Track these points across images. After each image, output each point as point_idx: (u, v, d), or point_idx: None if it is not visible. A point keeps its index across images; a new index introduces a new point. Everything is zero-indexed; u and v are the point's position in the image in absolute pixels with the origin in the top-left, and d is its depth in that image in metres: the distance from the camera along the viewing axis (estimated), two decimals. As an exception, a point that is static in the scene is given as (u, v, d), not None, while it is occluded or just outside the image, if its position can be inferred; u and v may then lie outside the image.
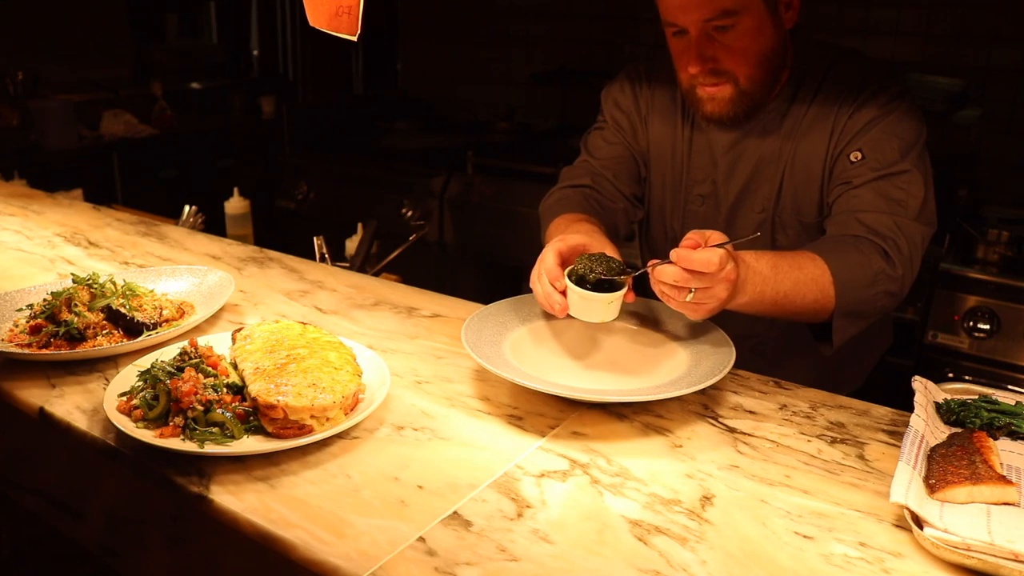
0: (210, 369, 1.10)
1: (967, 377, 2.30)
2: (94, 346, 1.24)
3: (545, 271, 1.22)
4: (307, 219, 3.64)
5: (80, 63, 4.28)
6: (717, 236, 1.11)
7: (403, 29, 4.40)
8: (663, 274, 1.10)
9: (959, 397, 1.11)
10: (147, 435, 1.00)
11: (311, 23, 1.24)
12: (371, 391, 1.12)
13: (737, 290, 1.14)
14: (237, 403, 1.05)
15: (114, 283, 1.35)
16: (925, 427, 1.01)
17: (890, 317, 1.77)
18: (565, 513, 0.91)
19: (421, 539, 0.86)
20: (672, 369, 1.20)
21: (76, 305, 1.29)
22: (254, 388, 1.03)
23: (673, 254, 1.07)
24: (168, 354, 1.17)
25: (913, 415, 1.03)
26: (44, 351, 1.23)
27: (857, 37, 3.00)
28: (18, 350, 1.24)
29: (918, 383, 1.12)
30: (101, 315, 1.29)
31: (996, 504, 0.88)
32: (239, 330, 1.21)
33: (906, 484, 0.88)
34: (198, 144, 4.28)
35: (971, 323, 2.32)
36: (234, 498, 0.92)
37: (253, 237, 2.38)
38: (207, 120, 4.54)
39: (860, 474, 0.99)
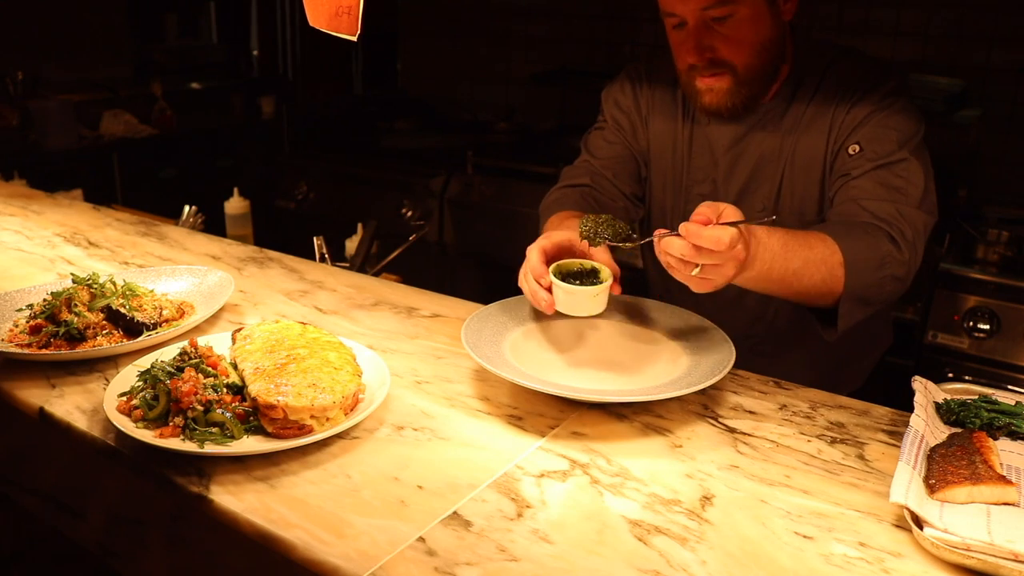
0: (210, 369, 1.10)
1: (967, 377, 2.30)
2: (94, 346, 1.24)
3: (530, 269, 1.23)
4: (307, 219, 3.64)
5: (80, 63, 4.28)
6: (731, 211, 1.05)
7: (403, 29, 4.40)
8: (671, 246, 1.05)
9: (959, 397, 1.11)
10: (147, 435, 1.00)
11: (311, 23, 1.24)
12: (371, 391, 1.12)
13: (745, 266, 1.11)
14: (237, 403, 1.05)
15: (114, 283, 1.35)
16: (925, 427, 1.01)
17: (890, 317, 1.77)
18: (565, 513, 0.91)
19: (421, 539, 0.86)
20: (672, 369, 1.20)
21: (76, 305, 1.29)
22: (254, 388, 1.03)
23: (682, 228, 1.03)
24: (168, 354, 1.17)
25: (913, 415, 1.03)
26: (44, 351, 1.23)
27: (857, 37, 3.00)
28: (18, 350, 1.24)
29: (918, 383, 1.12)
30: (101, 315, 1.29)
31: (996, 504, 0.88)
32: (239, 330, 1.21)
33: (906, 484, 0.88)
34: (198, 144, 4.28)
35: (971, 323, 2.32)
36: (234, 498, 0.92)
37: (253, 237, 2.38)
38: (207, 120, 4.54)
39: (860, 474, 0.99)
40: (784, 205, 1.45)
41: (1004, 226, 2.39)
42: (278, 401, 1.00)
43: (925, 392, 1.10)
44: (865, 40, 3.00)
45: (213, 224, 2.24)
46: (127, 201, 3.63)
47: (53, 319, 1.28)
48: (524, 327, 1.32)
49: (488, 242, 3.22)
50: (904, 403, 1.12)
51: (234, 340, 1.19)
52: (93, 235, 1.90)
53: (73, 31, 4.24)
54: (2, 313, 1.36)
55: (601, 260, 1.25)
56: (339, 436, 1.04)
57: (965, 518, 0.85)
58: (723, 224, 1.03)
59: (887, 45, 2.98)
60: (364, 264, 2.04)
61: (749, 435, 1.08)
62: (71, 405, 1.13)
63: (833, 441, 1.06)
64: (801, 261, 1.19)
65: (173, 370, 1.09)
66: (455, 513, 0.90)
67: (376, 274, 1.96)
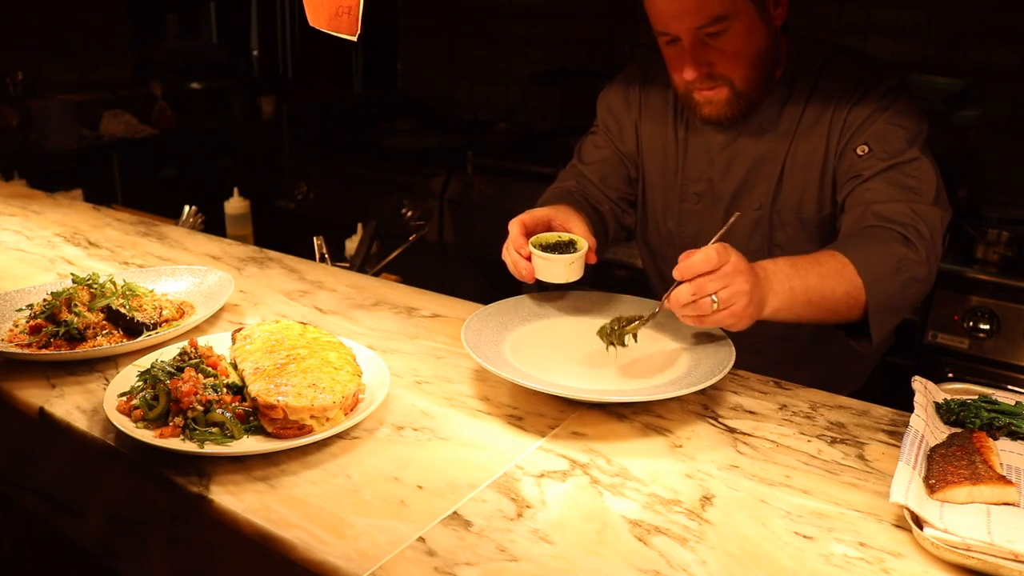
0: (210, 369, 1.10)
1: (968, 377, 2.30)
2: (94, 346, 1.24)
3: (511, 241, 1.31)
4: (307, 219, 3.64)
5: (80, 63, 4.28)
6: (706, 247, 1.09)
7: (403, 29, 4.40)
8: (679, 296, 1.07)
9: (959, 397, 1.11)
10: (147, 435, 1.00)
11: (311, 23, 1.24)
12: (371, 391, 1.12)
13: (765, 289, 1.11)
14: (237, 403, 1.05)
15: (114, 283, 1.35)
16: (925, 427, 1.01)
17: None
18: (565, 513, 0.91)
19: (421, 539, 0.86)
20: (672, 369, 1.20)
21: (76, 305, 1.29)
22: (254, 388, 1.03)
23: (675, 273, 1.07)
24: (168, 354, 1.17)
25: (913, 415, 1.03)
26: (44, 351, 1.23)
27: (857, 37, 3.00)
28: (18, 350, 1.24)
29: (918, 383, 1.12)
30: (101, 315, 1.29)
31: (996, 504, 0.88)
32: (239, 330, 1.21)
33: (906, 484, 0.88)
34: (198, 144, 4.28)
35: (971, 323, 2.32)
36: (234, 498, 0.92)
37: (253, 237, 2.38)
38: (207, 120, 4.54)
39: (860, 474, 0.99)
40: (783, 203, 1.45)
41: (1004, 226, 2.39)
42: (278, 401, 1.00)
43: (925, 392, 1.10)
44: (865, 40, 3.00)
45: (213, 224, 2.24)
46: (127, 201, 3.63)
47: (53, 319, 1.28)
48: (524, 327, 1.32)
49: (488, 242, 3.20)
50: (904, 403, 1.12)
51: (234, 340, 1.19)
52: (93, 235, 1.90)
53: (73, 31, 4.24)
54: (2, 313, 1.36)
55: (578, 232, 1.33)
56: (339, 436, 1.04)
57: (965, 518, 0.85)
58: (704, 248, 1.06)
59: (887, 45, 2.98)
60: (364, 264, 2.04)
61: (749, 435, 1.08)
62: (71, 405, 1.13)
63: (833, 441, 1.06)
64: (816, 276, 1.18)
65: (173, 370, 1.09)
66: (455, 513, 0.90)
67: (376, 274, 1.96)
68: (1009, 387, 2.23)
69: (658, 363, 1.23)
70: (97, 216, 2.07)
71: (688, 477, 0.98)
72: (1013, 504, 0.88)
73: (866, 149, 1.33)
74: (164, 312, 1.35)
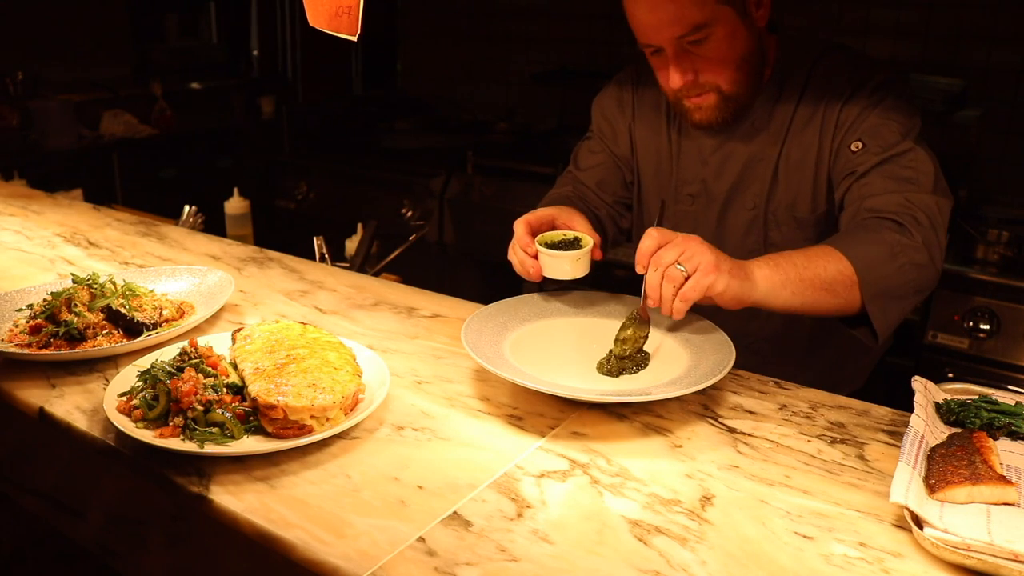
0: (210, 369, 1.10)
1: (968, 377, 2.30)
2: (94, 346, 1.24)
3: (516, 240, 1.32)
4: (307, 219, 3.64)
5: (80, 63, 4.28)
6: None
7: (403, 29, 4.40)
8: (650, 282, 1.14)
9: (959, 397, 1.11)
10: (147, 435, 1.00)
11: (311, 23, 1.24)
12: (371, 391, 1.12)
13: (744, 263, 1.15)
14: (237, 403, 1.05)
15: (114, 283, 1.35)
16: (925, 427, 1.01)
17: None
18: (565, 513, 0.91)
19: (421, 539, 0.86)
20: (672, 369, 1.20)
21: (76, 305, 1.29)
22: (254, 388, 1.03)
23: (636, 267, 1.16)
24: (168, 354, 1.17)
25: (913, 415, 1.03)
26: (44, 351, 1.23)
27: (857, 37, 3.00)
28: (18, 350, 1.24)
29: (918, 383, 1.12)
30: (101, 315, 1.29)
31: (996, 504, 0.88)
32: (239, 330, 1.21)
33: (906, 484, 0.88)
34: (198, 144, 4.28)
35: (971, 323, 2.32)
36: (234, 498, 0.92)
37: (253, 237, 2.38)
38: (207, 120, 4.54)
39: (860, 474, 0.99)
40: (778, 202, 1.45)
41: (1004, 226, 2.39)
42: (278, 401, 1.00)
43: (925, 392, 1.10)
44: (865, 40, 3.00)
45: (213, 224, 2.24)
46: (127, 201, 3.63)
47: (53, 319, 1.28)
48: (524, 327, 1.32)
49: (488, 242, 3.22)
50: (904, 403, 1.12)
51: (234, 340, 1.19)
52: (93, 235, 1.90)
53: (73, 31, 4.24)
54: (2, 313, 1.36)
55: (582, 229, 1.35)
56: (339, 436, 1.04)
57: (965, 518, 0.85)
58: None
59: (887, 45, 2.98)
60: (364, 264, 2.04)
61: (749, 435, 1.08)
62: (71, 405, 1.13)
63: (833, 441, 1.06)
64: (802, 256, 1.20)
65: (173, 370, 1.09)
66: (455, 513, 0.90)
67: (376, 274, 1.96)
68: (1009, 387, 2.23)
69: (658, 363, 1.23)
70: (97, 216, 2.07)
71: (688, 477, 0.98)
72: (1013, 504, 0.88)
73: (860, 145, 1.33)
74: (164, 312, 1.35)
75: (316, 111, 4.42)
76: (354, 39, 1.21)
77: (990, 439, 0.98)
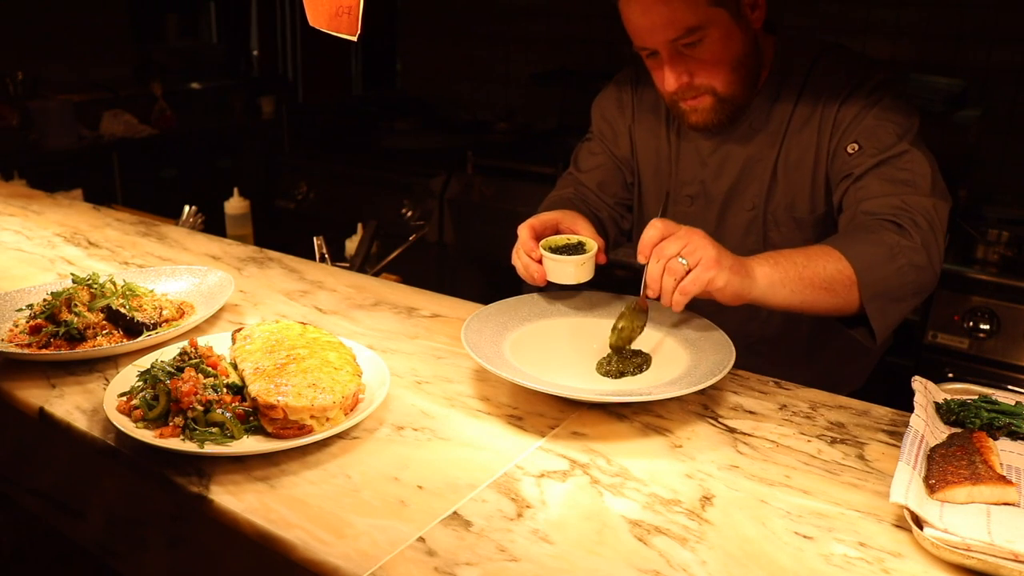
0: (210, 369, 1.10)
1: (968, 377, 2.30)
2: (94, 346, 1.24)
3: (521, 245, 1.32)
4: (307, 219, 3.64)
5: (80, 63, 4.28)
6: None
7: (403, 29, 4.40)
8: (651, 274, 1.13)
9: (959, 397, 1.11)
10: (147, 435, 1.00)
11: (311, 23, 1.24)
12: (371, 391, 1.12)
13: (743, 259, 1.15)
14: (237, 403, 1.05)
15: (114, 283, 1.35)
16: (925, 427, 1.01)
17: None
18: (565, 513, 0.91)
19: (421, 539, 0.86)
20: (672, 369, 1.20)
21: (76, 305, 1.29)
22: (254, 388, 1.03)
23: (638, 257, 1.15)
24: (168, 354, 1.17)
25: (913, 415, 1.03)
26: (44, 351, 1.23)
27: (857, 37, 3.00)
28: (18, 350, 1.24)
29: (918, 383, 1.12)
30: (101, 315, 1.29)
31: (996, 504, 0.88)
32: (239, 330, 1.21)
33: (906, 484, 0.88)
34: (198, 144, 4.28)
35: (971, 323, 2.32)
36: (234, 498, 0.92)
37: (253, 237, 2.38)
38: (207, 120, 4.54)
39: (860, 474, 0.99)
40: (777, 203, 1.45)
41: (1004, 226, 2.39)
42: (278, 401, 1.00)
43: (925, 392, 1.10)
44: (865, 40, 3.00)
45: (213, 224, 2.24)
46: (127, 201, 3.63)
47: (53, 319, 1.28)
48: (524, 327, 1.32)
49: (488, 242, 3.22)
50: (904, 403, 1.12)
51: (234, 340, 1.19)
52: (93, 235, 1.90)
53: (73, 31, 4.24)
54: (2, 313, 1.36)
55: (586, 234, 1.35)
56: (339, 436, 1.04)
57: (965, 518, 0.85)
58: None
59: (887, 45, 2.98)
60: (364, 264, 2.04)
61: (749, 435, 1.08)
62: (71, 405, 1.13)
63: (833, 441, 1.06)
64: (802, 255, 1.20)
65: (173, 370, 1.09)
66: (455, 513, 0.90)
67: (376, 274, 1.96)
68: (1009, 387, 2.23)
69: (658, 363, 1.23)
70: (97, 216, 2.07)
71: (688, 477, 0.98)
72: (1013, 504, 0.88)
73: (856, 147, 1.33)
74: (164, 312, 1.35)
75: (316, 111, 4.42)
76: (354, 39, 1.21)
77: (990, 439, 0.98)
